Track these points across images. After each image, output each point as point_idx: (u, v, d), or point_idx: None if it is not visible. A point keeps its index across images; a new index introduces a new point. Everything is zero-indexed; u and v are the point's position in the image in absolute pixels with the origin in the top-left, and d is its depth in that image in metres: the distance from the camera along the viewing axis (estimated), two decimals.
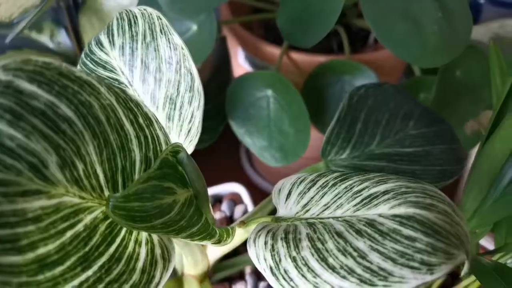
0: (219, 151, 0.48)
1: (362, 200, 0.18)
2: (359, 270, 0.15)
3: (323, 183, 0.20)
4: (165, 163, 0.18)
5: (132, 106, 0.17)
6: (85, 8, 0.40)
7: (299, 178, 0.21)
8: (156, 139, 0.18)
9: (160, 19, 0.22)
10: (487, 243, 0.35)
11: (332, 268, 0.16)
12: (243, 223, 0.22)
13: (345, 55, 0.38)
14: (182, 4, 0.31)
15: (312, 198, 0.20)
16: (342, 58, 0.38)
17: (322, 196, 0.20)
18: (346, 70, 0.37)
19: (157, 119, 0.19)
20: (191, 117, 0.22)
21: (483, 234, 0.27)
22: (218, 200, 0.38)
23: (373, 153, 0.29)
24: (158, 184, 0.18)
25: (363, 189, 0.19)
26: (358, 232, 0.17)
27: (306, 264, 0.17)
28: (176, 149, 0.19)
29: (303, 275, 0.16)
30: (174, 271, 0.33)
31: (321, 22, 0.30)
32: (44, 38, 0.44)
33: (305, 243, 0.17)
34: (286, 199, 0.21)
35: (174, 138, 0.23)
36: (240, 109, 0.37)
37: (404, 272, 0.15)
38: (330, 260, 0.16)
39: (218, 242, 0.21)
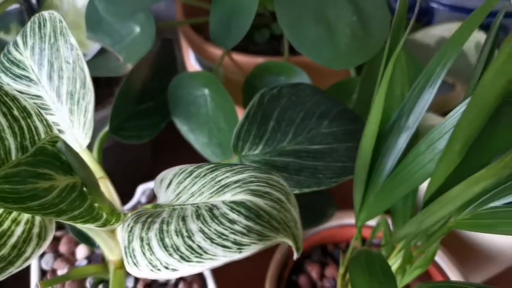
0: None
1: (217, 189, 0.20)
2: (183, 248, 0.17)
3: (197, 174, 0.22)
4: (40, 151, 0.20)
5: (6, 100, 0.20)
6: (45, 7, 0.42)
7: (180, 169, 0.23)
8: (34, 129, 0.21)
9: (61, 22, 0.24)
10: None
11: (165, 247, 0.18)
12: (134, 210, 0.24)
13: (284, 57, 0.40)
14: (115, 7, 0.34)
15: (185, 187, 0.22)
16: (280, 60, 0.40)
17: (193, 185, 0.22)
18: (282, 72, 0.39)
19: (39, 112, 0.21)
20: (85, 111, 0.24)
21: None
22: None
23: (284, 150, 0.31)
24: (31, 170, 0.20)
25: (223, 179, 0.21)
26: (198, 216, 0.18)
27: (148, 244, 0.18)
28: (55, 139, 0.21)
29: (143, 253, 0.18)
30: (103, 257, 0.35)
31: (239, 24, 0.32)
32: (10, 38, 0.47)
33: (156, 225, 0.19)
34: (167, 188, 0.23)
35: (76, 131, 0.25)
36: (182, 107, 0.39)
37: (217, 250, 0.16)
38: (166, 240, 0.18)
39: (103, 225, 0.23)
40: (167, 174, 0.24)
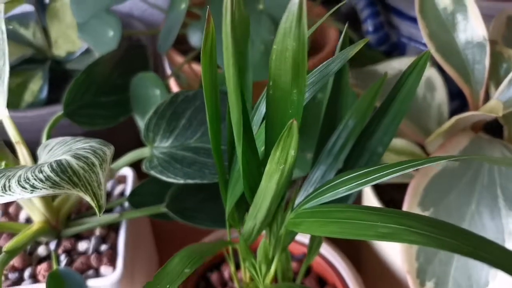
0: None
1: (63, 152, 0.24)
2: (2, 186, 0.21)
3: (64, 142, 0.27)
4: None
5: None
6: (49, 9, 0.50)
7: (61, 139, 0.28)
8: None
9: None
10: None
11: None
12: None
13: None
14: (79, 9, 0.40)
15: (55, 150, 0.26)
16: None
17: (58, 149, 0.26)
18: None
19: None
20: (3, 83, 0.29)
21: None
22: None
23: (188, 146, 0.34)
24: None
25: (74, 146, 0.25)
26: (31, 168, 0.23)
27: (9, 185, 0.23)
28: None
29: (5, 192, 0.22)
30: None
31: (170, 37, 0.36)
32: (28, 34, 0.55)
33: (19, 173, 0.24)
34: (48, 151, 0.28)
35: (1, 101, 0.31)
36: (140, 105, 0.44)
37: (17, 189, 0.20)
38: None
39: None
40: (52, 141, 0.28)
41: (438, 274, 0.32)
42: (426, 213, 0.31)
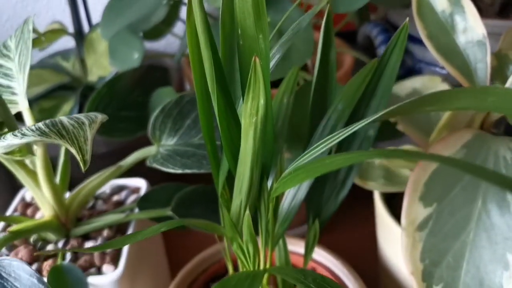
0: None
1: None
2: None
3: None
4: None
5: None
6: (87, 40, 0.56)
7: None
8: None
9: (28, 24, 0.34)
10: None
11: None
12: None
13: None
14: (106, 31, 0.44)
15: None
16: None
17: None
18: None
19: None
20: (24, 76, 0.33)
21: None
22: (122, 188, 0.46)
23: (192, 143, 0.35)
24: None
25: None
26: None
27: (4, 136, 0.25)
28: None
29: None
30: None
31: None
32: (68, 65, 0.61)
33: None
34: None
35: (22, 92, 0.34)
36: None
37: (11, 137, 0.22)
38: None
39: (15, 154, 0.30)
40: None
41: (446, 278, 0.30)
42: (429, 209, 0.30)
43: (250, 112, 0.21)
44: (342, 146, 0.28)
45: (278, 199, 0.29)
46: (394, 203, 0.41)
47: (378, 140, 0.42)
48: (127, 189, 0.46)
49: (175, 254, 0.51)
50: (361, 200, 0.55)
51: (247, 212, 0.25)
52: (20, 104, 0.34)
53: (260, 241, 0.28)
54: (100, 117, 0.25)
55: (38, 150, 0.33)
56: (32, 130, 0.22)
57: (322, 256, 0.39)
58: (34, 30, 0.41)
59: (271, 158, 0.26)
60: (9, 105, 0.33)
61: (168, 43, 0.69)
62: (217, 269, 0.40)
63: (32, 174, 0.34)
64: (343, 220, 0.58)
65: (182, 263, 0.40)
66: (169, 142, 0.36)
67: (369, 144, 0.28)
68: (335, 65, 0.27)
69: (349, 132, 0.22)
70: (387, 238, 0.42)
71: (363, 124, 0.21)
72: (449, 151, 0.30)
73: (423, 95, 0.18)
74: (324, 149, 0.22)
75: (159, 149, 0.36)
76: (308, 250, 0.30)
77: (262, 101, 0.20)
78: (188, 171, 0.32)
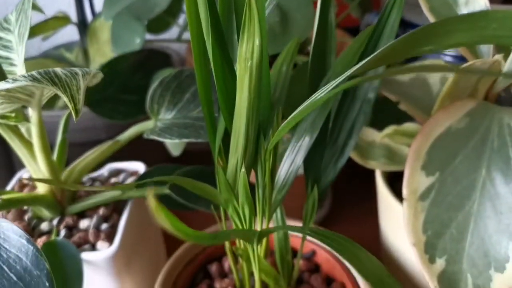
0: None
1: None
2: None
3: None
4: None
5: None
6: (90, 29, 0.56)
7: None
8: None
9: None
10: None
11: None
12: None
13: None
14: (109, 10, 0.44)
15: None
16: None
17: None
18: None
19: None
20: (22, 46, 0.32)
21: None
22: (120, 172, 0.46)
23: (190, 116, 0.35)
24: None
25: None
26: None
27: None
28: None
29: None
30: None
31: None
32: (71, 57, 0.61)
33: None
34: None
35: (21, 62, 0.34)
36: None
37: (3, 83, 0.22)
38: None
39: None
40: None
41: (450, 250, 0.29)
42: (431, 178, 0.29)
43: (245, 56, 0.21)
44: (342, 110, 0.28)
45: (275, 165, 0.28)
46: (397, 187, 0.40)
47: (379, 123, 0.42)
48: (125, 172, 0.45)
49: (172, 236, 0.50)
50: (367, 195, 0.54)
51: (243, 169, 0.25)
52: (19, 74, 0.34)
53: (257, 211, 0.28)
54: (94, 71, 0.24)
55: (33, 115, 0.32)
56: (24, 77, 0.22)
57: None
58: (35, 6, 0.41)
59: (268, 116, 0.25)
60: (8, 76, 0.33)
61: (172, 35, 0.69)
62: (214, 251, 0.39)
63: (28, 144, 0.33)
64: (351, 211, 0.57)
65: (180, 245, 0.39)
66: (167, 116, 0.35)
67: (369, 107, 0.27)
68: (334, 27, 0.27)
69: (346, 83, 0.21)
70: (389, 217, 0.41)
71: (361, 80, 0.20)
72: (451, 120, 0.29)
73: (414, 30, 0.18)
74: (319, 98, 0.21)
75: (157, 123, 0.35)
76: (308, 218, 0.29)
77: (257, 42, 0.20)
78: (185, 140, 0.31)
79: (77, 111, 0.22)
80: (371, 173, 0.43)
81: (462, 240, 0.29)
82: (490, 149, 0.29)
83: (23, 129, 0.33)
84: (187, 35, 0.52)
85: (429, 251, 0.29)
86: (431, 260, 0.29)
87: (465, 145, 0.29)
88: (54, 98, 0.53)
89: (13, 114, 0.31)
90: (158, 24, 0.57)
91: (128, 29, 0.49)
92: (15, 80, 0.21)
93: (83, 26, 0.57)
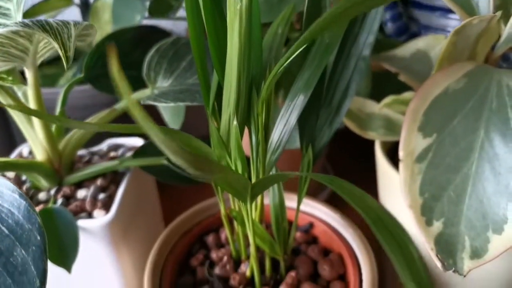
0: None
1: None
2: None
3: None
4: None
5: None
6: (92, 9, 0.56)
7: None
8: None
9: None
10: None
11: None
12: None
13: None
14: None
15: None
16: None
17: None
18: None
19: None
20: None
21: None
22: (119, 147, 0.46)
23: (186, 83, 0.35)
24: None
25: None
26: None
27: None
28: None
29: None
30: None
31: None
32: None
33: None
34: None
35: None
36: None
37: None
38: None
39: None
40: None
41: (448, 213, 0.28)
42: (428, 140, 0.29)
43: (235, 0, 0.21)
44: (337, 68, 0.28)
45: (269, 125, 0.28)
46: (397, 160, 0.39)
47: (379, 95, 0.41)
48: (124, 147, 0.45)
49: (170, 208, 0.50)
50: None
51: (235, 123, 0.24)
52: None
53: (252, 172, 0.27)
54: (86, 22, 0.24)
55: (29, 76, 0.32)
56: (16, 23, 0.22)
57: (320, 211, 0.38)
58: None
59: (260, 70, 0.25)
60: None
61: (175, 24, 0.69)
62: (211, 222, 0.39)
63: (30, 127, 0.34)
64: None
65: (177, 216, 0.38)
66: (164, 84, 0.35)
67: (365, 64, 0.27)
68: None
69: None
70: (387, 187, 0.41)
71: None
72: (449, 80, 0.29)
73: None
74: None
75: (154, 91, 0.35)
76: (303, 182, 0.29)
77: None
78: (180, 103, 0.31)
79: (67, 58, 0.22)
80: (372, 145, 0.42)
81: (460, 202, 0.28)
82: (488, 110, 0.28)
83: (19, 93, 0.33)
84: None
85: (426, 214, 0.28)
86: (428, 223, 0.28)
87: (463, 106, 0.29)
88: (57, 78, 0.53)
89: (10, 78, 0.31)
90: (160, 6, 0.57)
91: (129, 8, 0.49)
92: (6, 25, 0.21)
93: (85, 6, 0.57)
